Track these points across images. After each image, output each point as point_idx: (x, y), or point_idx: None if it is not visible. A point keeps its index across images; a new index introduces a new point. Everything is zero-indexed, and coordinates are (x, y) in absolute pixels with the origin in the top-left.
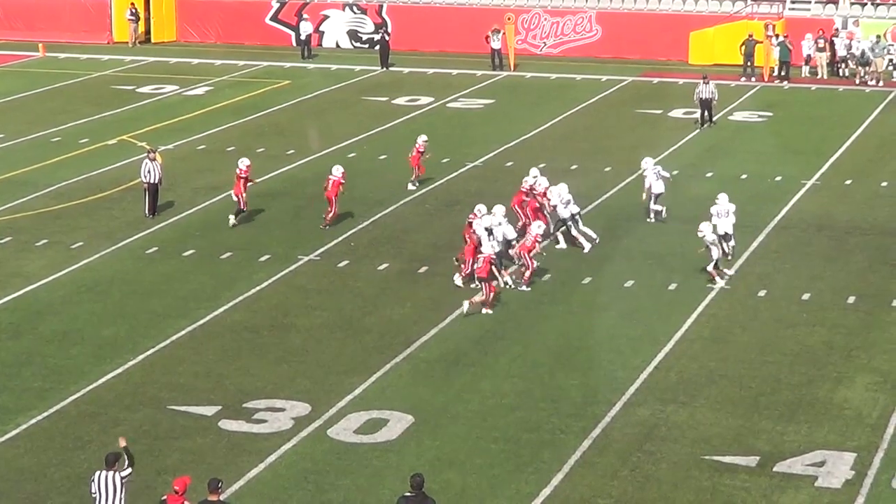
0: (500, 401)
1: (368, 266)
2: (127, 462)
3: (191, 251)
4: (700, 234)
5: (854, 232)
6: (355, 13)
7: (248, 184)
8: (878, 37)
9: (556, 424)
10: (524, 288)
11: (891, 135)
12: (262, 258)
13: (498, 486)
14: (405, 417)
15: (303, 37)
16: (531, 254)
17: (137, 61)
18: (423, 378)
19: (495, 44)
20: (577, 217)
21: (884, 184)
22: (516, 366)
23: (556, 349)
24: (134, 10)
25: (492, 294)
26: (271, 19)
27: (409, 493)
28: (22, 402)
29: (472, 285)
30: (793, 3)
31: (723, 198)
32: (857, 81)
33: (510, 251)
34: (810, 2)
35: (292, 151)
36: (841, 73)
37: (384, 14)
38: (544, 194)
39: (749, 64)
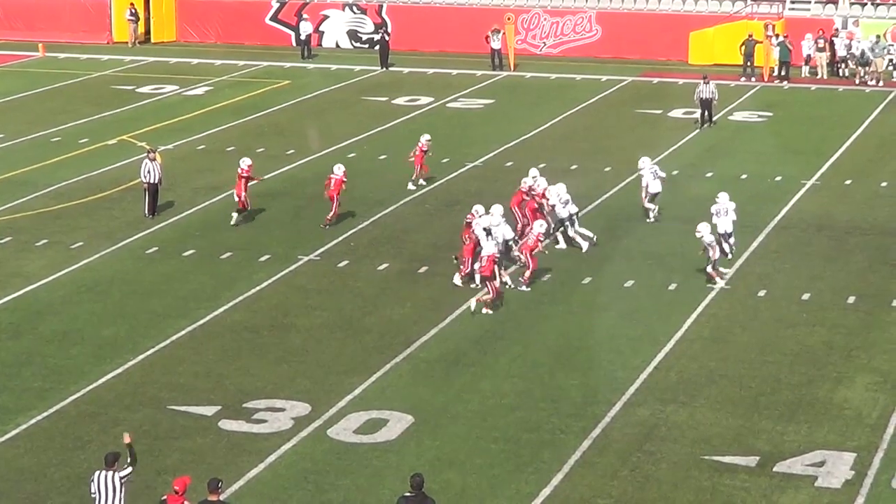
0: (500, 401)
1: (368, 266)
2: (129, 460)
3: (191, 251)
4: (698, 235)
5: (854, 232)
6: (355, 13)
7: (250, 183)
8: (878, 37)
9: (556, 424)
10: (524, 288)
11: (891, 135)
12: (262, 258)
13: (498, 486)
14: (405, 417)
15: (303, 37)
16: (533, 252)
17: (137, 61)
18: (423, 378)
19: (495, 44)
20: (575, 217)
21: (884, 184)
22: (516, 366)
23: (556, 349)
24: (133, 11)
25: (492, 294)
26: (271, 19)
27: (409, 493)
28: (22, 402)
29: (473, 285)
30: (793, 3)
31: (723, 196)
32: (857, 81)
33: (509, 252)
34: (810, 2)
35: (292, 151)
36: (841, 73)
37: (384, 14)
38: (543, 195)
39: (749, 64)
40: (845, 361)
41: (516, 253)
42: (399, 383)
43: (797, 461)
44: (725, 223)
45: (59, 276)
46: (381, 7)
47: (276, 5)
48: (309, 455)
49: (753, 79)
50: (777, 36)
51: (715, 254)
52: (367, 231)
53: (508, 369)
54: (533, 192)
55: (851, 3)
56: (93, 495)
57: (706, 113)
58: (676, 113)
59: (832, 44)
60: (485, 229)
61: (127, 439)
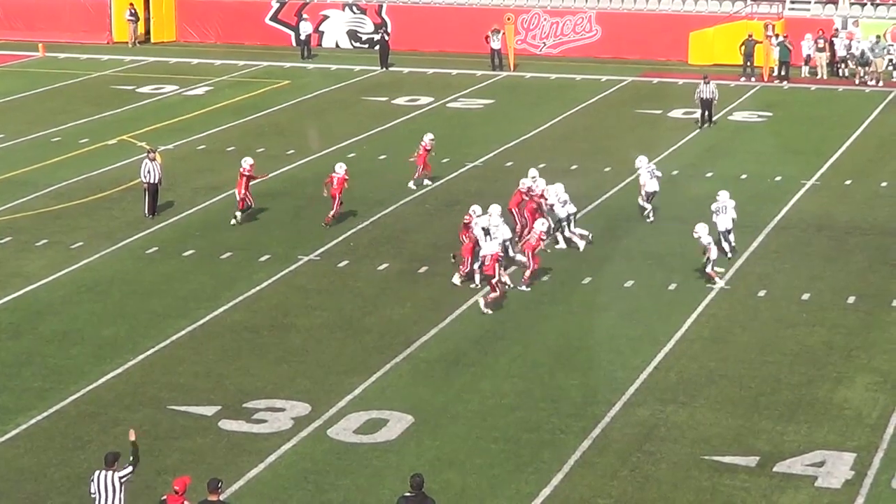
0: (500, 401)
1: (368, 266)
2: (130, 459)
3: (191, 251)
4: (696, 236)
5: (854, 232)
6: (355, 13)
7: (252, 182)
8: (878, 37)
9: (556, 424)
10: (524, 288)
11: (891, 135)
12: (262, 258)
13: (498, 486)
14: (405, 417)
15: (302, 37)
16: (535, 251)
17: (137, 61)
18: (423, 378)
19: (495, 44)
20: (572, 217)
21: (884, 184)
22: (516, 366)
23: (556, 349)
24: (133, 11)
25: (499, 292)
26: (271, 19)
27: (408, 493)
28: (22, 402)
29: (472, 285)
30: (792, 3)
31: (723, 194)
32: (857, 81)
33: (506, 252)
34: (810, 2)
35: (292, 151)
36: (841, 74)
37: (384, 14)
38: (542, 195)
39: (749, 64)
40: (845, 361)
41: (517, 255)
42: (399, 383)
43: (797, 461)
44: (725, 221)
45: (59, 276)
46: (380, 7)
47: (276, 5)
48: (309, 455)
49: (753, 79)
50: (777, 36)
51: (713, 254)
52: (367, 231)
53: (508, 369)
54: (532, 193)
55: (851, 3)
56: (92, 495)
57: (706, 113)
58: (676, 113)
59: (832, 44)
60: (483, 229)
61: (132, 436)
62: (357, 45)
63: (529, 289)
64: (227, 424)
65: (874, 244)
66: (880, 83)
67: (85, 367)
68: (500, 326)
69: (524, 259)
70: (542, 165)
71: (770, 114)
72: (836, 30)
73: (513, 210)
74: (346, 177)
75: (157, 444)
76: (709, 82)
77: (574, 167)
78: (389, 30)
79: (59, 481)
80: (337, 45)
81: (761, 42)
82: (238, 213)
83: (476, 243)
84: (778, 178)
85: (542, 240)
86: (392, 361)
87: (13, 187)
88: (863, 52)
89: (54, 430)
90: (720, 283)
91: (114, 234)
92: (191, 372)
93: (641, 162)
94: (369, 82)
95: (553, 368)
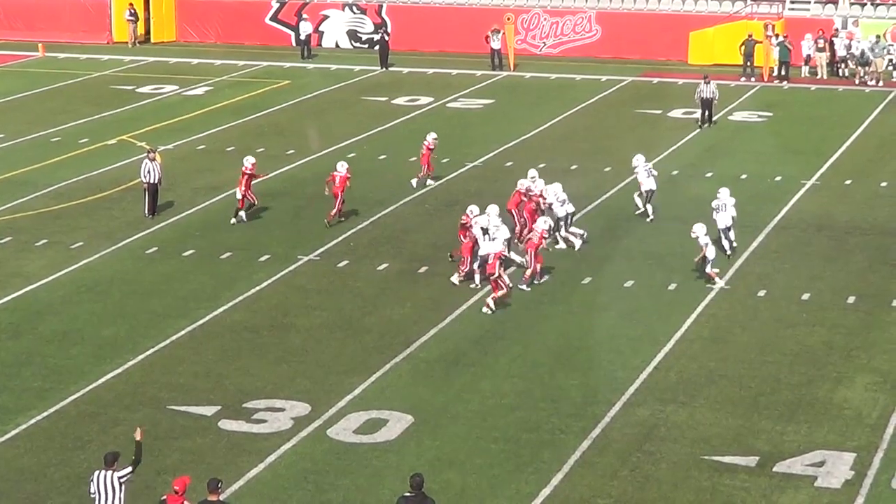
0: (500, 401)
1: (368, 266)
2: (133, 458)
3: (191, 251)
4: (693, 236)
5: (854, 232)
6: (355, 13)
7: (254, 181)
8: (878, 37)
9: (556, 424)
10: (524, 288)
11: (891, 135)
12: (262, 258)
13: (498, 486)
14: (405, 417)
15: (302, 37)
16: (538, 250)
17: (137, 61)
18: (422, 378)
19: (495, 44)
20: (570, 217)
21: (884, 184)
22: (516, 366)
23: (556, 349)
24: (132, 11)
25: (505, 290)
26: (271, 19)
27: (408, 493)
28: (22, 402)
29: (472, 285)
30: (792, 3)
31: (723, 192)
32: (857, 81)
33: (509, 252)
34: (810, 2)
35: (292, 151)
36: (840, 74)
37: (384, 14)
38: (541, 195)
39: (749, 64)
40: (845, 361)
41: (515, 255)
42: (399, 383)
43: (797, 461)
44: (725, 218)
45: (59, 276)
46: (380, 7)
47: (275, 5)
48: (309, 455)
49: (753, 79)
50: (777, 36)
51: (710, 253)
52: (367, 231)
53: (508, 369)
54: (530, 193)
55: (851, 3)
56: (92, 495)
57: (706, 113)
58: (676, 113)
59: (832, 44)
60: (482, 229)
61: (138, 436)
62: (357, 45)
63: (529, 288)
64: (227, 424)
65: (874, 244)
66: (880, 83)
67: (85, 367)
68: (500, 326)
69: (521, 259)
70: (541, 165)
71: (770, 114)
72: (836, 30)
73: (511, 210)
74: (349, 175)
75: (156, 444)
76: (709, 82)
77: (574, 167)
78: (389, 30)
79: (58, 481)
80: (337, 45)
81: (761, 42)
82: (241, 213)
83: (475, 243)
84: (778, 178)
85: (545, 238)
86: (392, 361)
87: (13, 187)
88: (863, 52)
89: (54, 430)
90: (720, 283)
91: (114, 234)
92: (191, 372)
93: (638, 160)
94: (369, 82)
95: (553, 368)
